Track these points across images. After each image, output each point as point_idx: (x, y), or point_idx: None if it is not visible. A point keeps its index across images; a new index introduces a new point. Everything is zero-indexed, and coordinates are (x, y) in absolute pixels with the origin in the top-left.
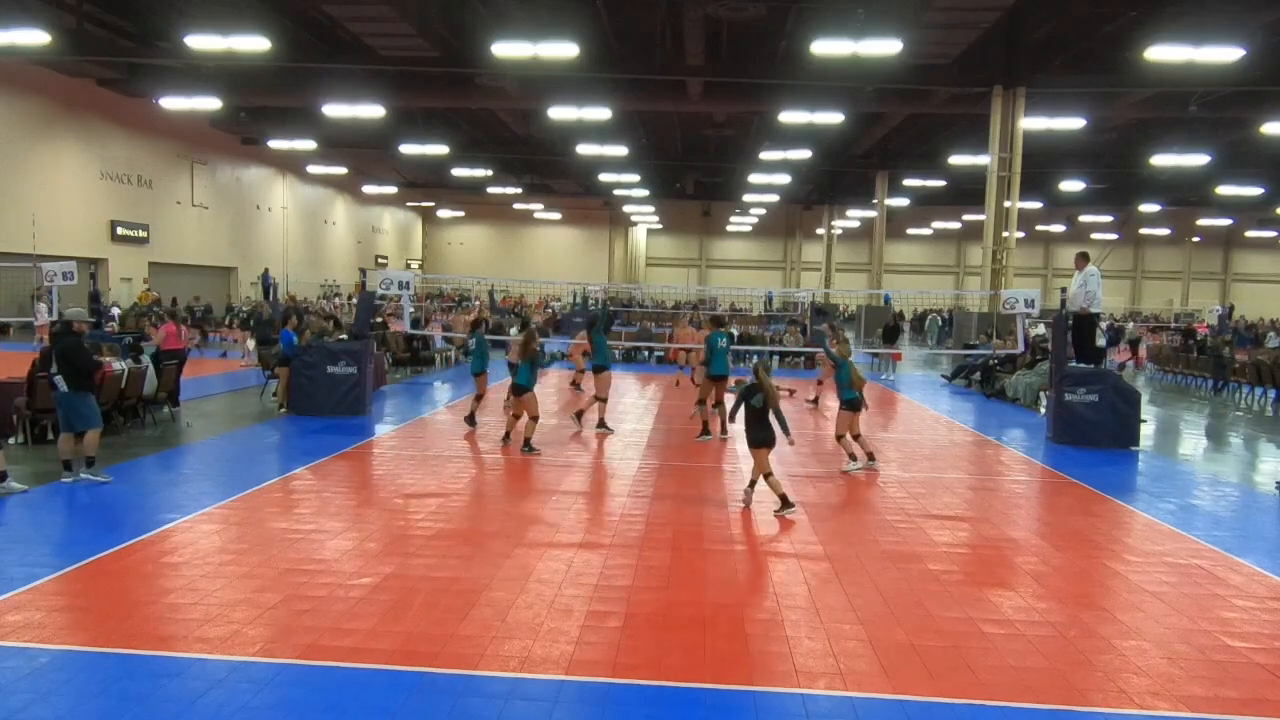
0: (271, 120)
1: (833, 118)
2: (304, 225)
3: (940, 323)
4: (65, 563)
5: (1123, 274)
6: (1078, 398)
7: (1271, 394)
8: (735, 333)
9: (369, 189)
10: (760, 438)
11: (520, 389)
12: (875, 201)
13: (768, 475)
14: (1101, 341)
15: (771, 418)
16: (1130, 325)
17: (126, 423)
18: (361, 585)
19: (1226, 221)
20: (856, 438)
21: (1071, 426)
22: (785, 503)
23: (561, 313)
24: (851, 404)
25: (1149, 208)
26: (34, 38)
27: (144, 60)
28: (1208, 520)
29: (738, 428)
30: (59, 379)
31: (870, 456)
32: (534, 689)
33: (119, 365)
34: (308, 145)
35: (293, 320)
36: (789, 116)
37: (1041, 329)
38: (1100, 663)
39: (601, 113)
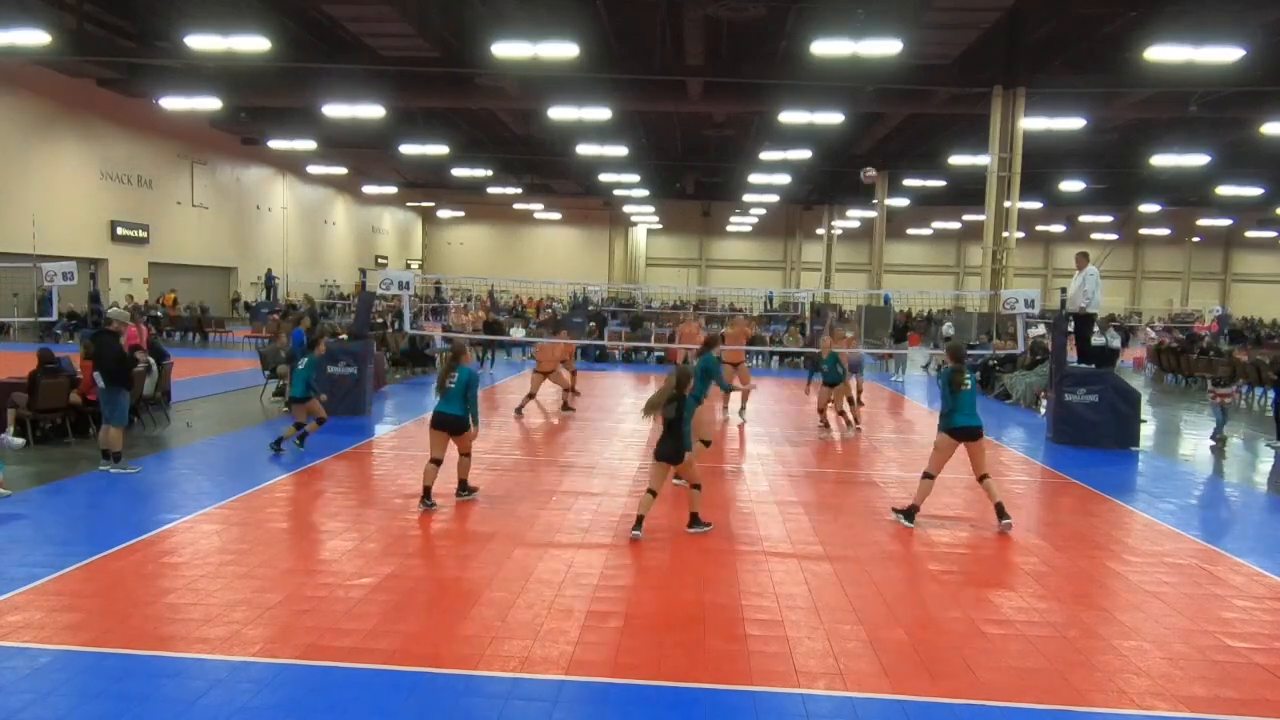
0: (271, 120)
1: (833, 118)
2: (304, 225)
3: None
4: (65, 563)
5: (1123, 274)
6: (1078, 398)
7: (1271, 394)
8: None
9: (369, 189)
10: (662, 451)
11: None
12: (875, 201)
13: (695, 486)
14: (1116, 343)
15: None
16: (1150, 331)
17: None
18: (361, 585)
19: (1226, 221)
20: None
21: (1071, 426)
22: (694, 520)
23: (561, 313)
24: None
25: (1149, 208)
26: (34, 38)
27: (144, 60)
28: (1208, 520)
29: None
30: (98, 375)
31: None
32: (534, 689)
33: None
34: (308, 145)
35: (305, 321)
36: (789, 116)
37: (1040, 329)
38: (1100, 663)
39: (601, 113)
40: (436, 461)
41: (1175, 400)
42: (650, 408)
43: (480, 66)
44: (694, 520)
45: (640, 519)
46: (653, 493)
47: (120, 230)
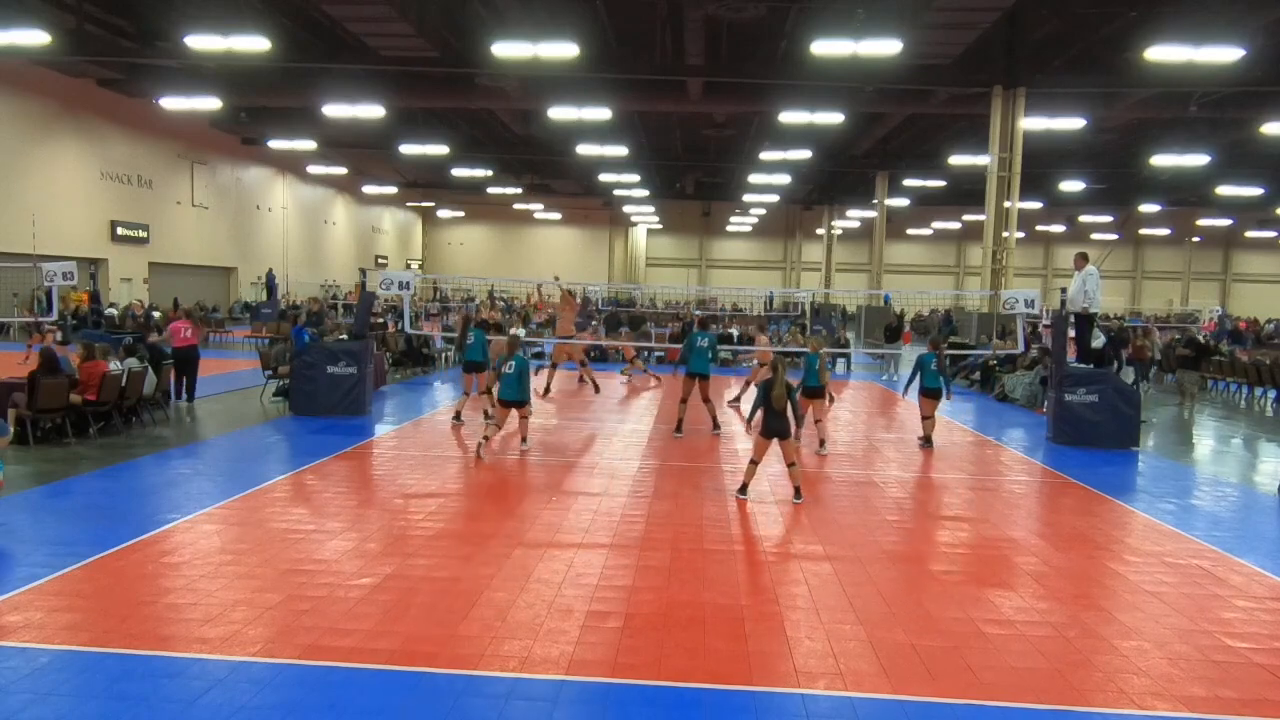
0: (271, 120)
1: (833, 118)
2: (304, 225)
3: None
4: (65, 563)
5: (1123, 274)
6: (1078, 398)
7: (1271, 394)
8: (735, 333)
9: (369, 189)
10: (778, 429)
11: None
12: (875, 201)
13: (792, 464)
14: (1098, 343)
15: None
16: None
17: (127, 423)
18: (361, 585)
19: (1226, 221)
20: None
21: (1071, 427)
22: (798, 492)
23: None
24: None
25: (1149, 208)
26: (34, 38)
27: (144, 60)
28: (1208, 520)
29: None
30: None
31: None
32: (534, 689)
33: (116, 366)
34: (308, 145)
35: (302, 318)
36: (789, 116)
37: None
38: (1100, 663)
39: (601, 113)
40: None
41: (1175, 400)
42: (779, 400)
43: (480, 66)
44: (797, 493)
45: (746, 485)
46: (755, 463)
47: (120, 230)
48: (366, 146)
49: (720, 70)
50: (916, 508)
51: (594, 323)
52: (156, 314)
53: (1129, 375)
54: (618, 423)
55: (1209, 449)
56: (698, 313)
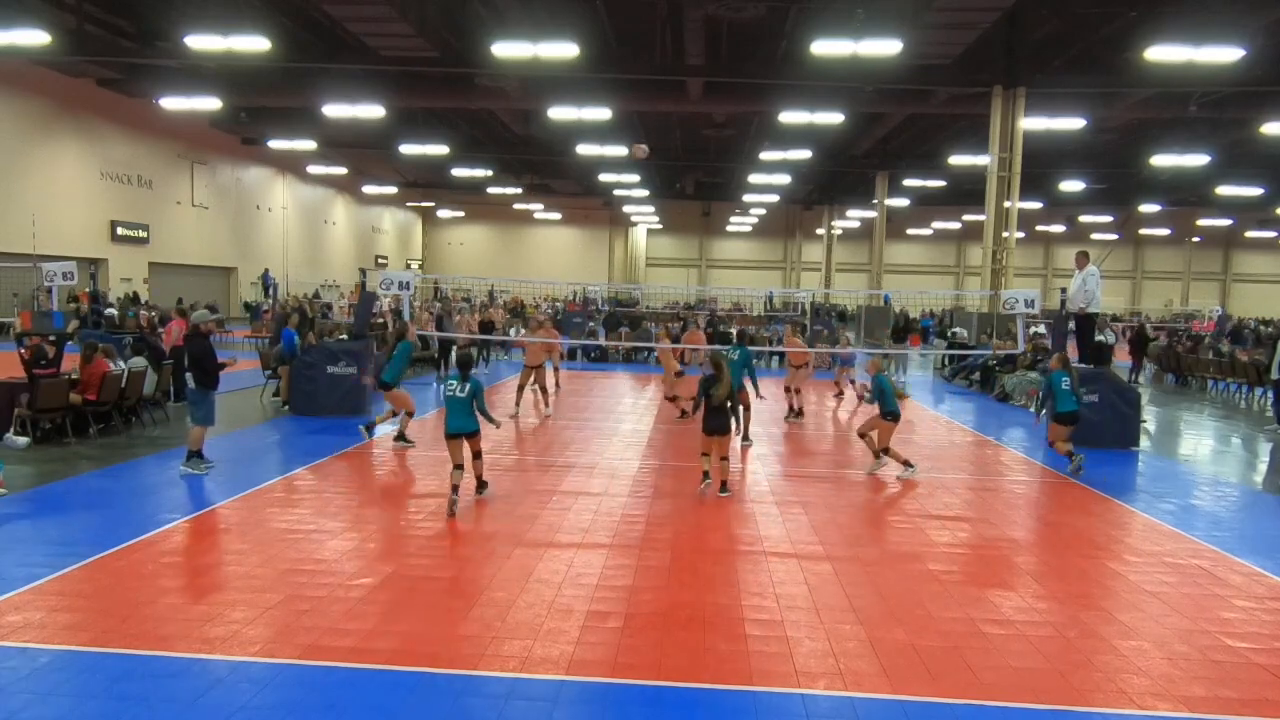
0: (271, 120)
1: (833, 118)
2: (304, 225)
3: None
4: (65, 563)
5: (1123, 274)
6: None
7: (1271, 394)
8: (734, 333)
9: (369, 189)
10: (715, 426)
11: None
12: (875, 201)
13: (723, 458)
14: (1111, 339)
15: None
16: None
17: (127, 422)
18: (361, 585)
19: (1226, 221)
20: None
21: None
22: (724, 486)
23: (563, 313)
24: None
25: (1149, 208)
26: (34, 38)
27: (144, 60)
28: (1208, 520)
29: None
30: (188, 377)
31: (906, 463)
32: (534, 689)
33: (116, 365)
34: (308, 145)
35: (294, 318)
36: (789, 116)
37: (1040, 328)
38: (1100, 663)
39: (601, 113)
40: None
41: (1175, 400)
42: (723, 397)
43: (480, 66)
44: (723, 486)
45: (706, 472)
46: (707, 454)
47: (120, 230)
48: (366, 146)
49: (720, 70)
50: (916, 508)
51: (591, 323)
52: (151, 313)
53: (1148, 374)
54: (617, 423)
55: (1209, 449)
56: (714, 310)
